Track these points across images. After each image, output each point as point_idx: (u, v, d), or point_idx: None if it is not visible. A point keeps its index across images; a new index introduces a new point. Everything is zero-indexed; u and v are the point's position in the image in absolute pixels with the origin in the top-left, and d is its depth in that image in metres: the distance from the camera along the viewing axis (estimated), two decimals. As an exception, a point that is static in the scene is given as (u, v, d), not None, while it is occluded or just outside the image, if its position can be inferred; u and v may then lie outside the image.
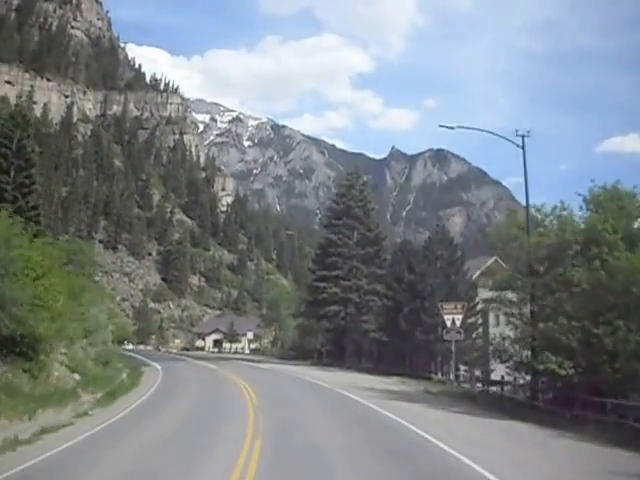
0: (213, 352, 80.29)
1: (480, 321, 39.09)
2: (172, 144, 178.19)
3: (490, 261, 46.20)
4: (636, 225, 17.49)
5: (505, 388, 23.87)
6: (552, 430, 14.02)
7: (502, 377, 21.67)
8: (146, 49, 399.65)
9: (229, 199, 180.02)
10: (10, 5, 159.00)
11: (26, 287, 16.61)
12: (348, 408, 17.08)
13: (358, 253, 43.24)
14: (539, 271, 17.65)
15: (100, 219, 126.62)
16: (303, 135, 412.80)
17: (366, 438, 11.92)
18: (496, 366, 37.01)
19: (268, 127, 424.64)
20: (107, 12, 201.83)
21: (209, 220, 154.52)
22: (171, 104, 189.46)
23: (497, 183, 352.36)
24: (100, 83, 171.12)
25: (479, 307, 36.80)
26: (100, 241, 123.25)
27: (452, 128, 18.87)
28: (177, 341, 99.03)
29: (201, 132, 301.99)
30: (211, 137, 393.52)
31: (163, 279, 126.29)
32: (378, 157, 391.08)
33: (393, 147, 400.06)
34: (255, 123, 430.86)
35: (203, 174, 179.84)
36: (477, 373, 33.76)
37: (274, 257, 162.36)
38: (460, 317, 27.85)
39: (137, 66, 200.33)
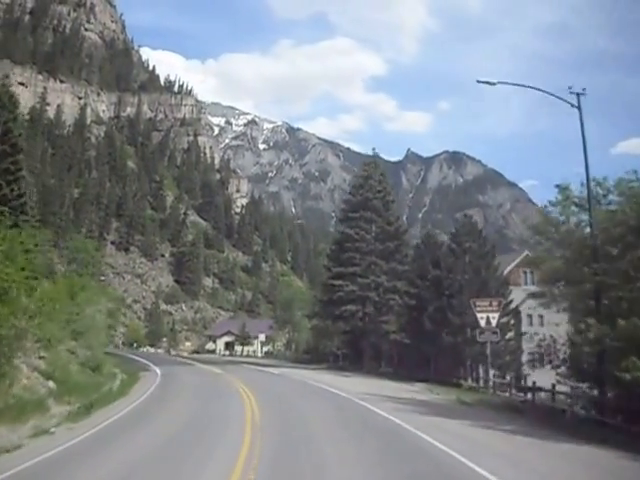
0: (224, 355, 77.32)
1: (512, 321, 35.68)
2: (186, 145, 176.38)
3: (522, 256, 42.75)
4: None
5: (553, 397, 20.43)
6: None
7: (553, 385, 18.13)
8: (161, 53, 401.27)
9: (244, 201, 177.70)
10: (24, 8, 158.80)
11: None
12: (375, 428, 13.39)
13: (377, 248, 39.78)
14: (611, 255, 14.14)
15: (112, 220, 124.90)
16: (318, 138, 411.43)
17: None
18: (531, 371, 33.82)
19: (283, 130, 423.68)
20: (121, 15, 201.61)
21: (223, 222, 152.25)
22: (185, 105, 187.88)
23: (513, 185, 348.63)
24: (114, 85, 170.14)
25: (513, 305, 33.44)
26: (112, 242, 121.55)
27: (493, 84, 15.52)
28: (188, 344, 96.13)
29: (216, 135, 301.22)
30: (226, 140, 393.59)
31: (176, 281, 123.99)
32: (393, 160, 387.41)
33: (408, 149, 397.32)
34: (270, 126, 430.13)
35: (217, 176, 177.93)
36: (508, 378, 30.42)
37: (289, 259, 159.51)
38: (496, 316, 24.40)
39: (151, 68, 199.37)
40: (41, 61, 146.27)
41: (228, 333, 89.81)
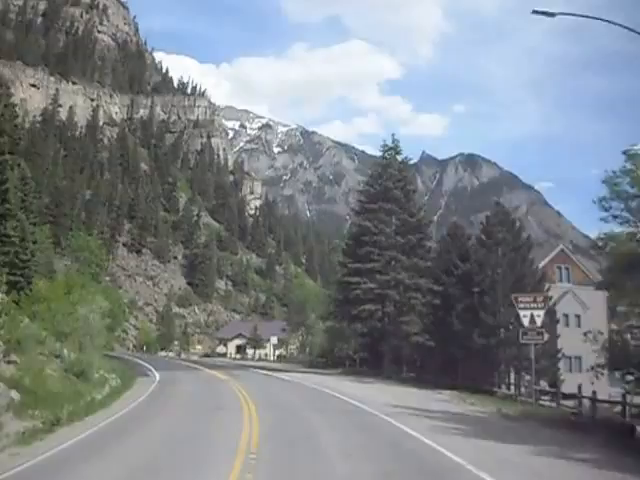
0: (235, 359, 74.39)
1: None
2: (199, 147, 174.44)
3: (556, 250, 39.29)
4: None
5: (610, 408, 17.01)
6: None
7: (623, 395, 14.73)
8: (175, 57, 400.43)
9: (257, 202, 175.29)
10: (37, 10, 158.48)
11: None
12: (412, 461, 9.83)
13: (398, 242, 36.40)
14: None
15: (124, 222, 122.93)
16: (333, 141, 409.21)
17: None
18: (568, 376, 30.28)
19: (297, 133, 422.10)
20: (134, 17, 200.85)
21: (237, 224, 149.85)
22: (198, 107, 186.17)
23: (529, 187, 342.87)
24: (127, 87, 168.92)
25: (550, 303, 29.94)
26: (124, 244, 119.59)
27: (552, 15, 12.31)
28: (198, 347, 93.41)
29: (231, 139, 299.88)
30: (241, 144, 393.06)
31: (189, 283, 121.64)
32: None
33: (423, 152, 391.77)
34: (284, 129, 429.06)
35: (231, 177, 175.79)
36: (543, 384, 27.01)
37: (303, 261, 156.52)
38: (541, 313, 20.98)
39: (164, 70, 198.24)
40: (53, 63, 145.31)
41: (239, 336, 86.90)
